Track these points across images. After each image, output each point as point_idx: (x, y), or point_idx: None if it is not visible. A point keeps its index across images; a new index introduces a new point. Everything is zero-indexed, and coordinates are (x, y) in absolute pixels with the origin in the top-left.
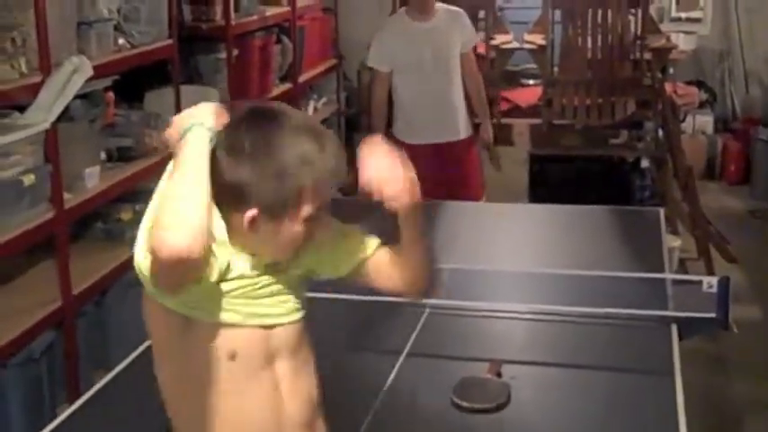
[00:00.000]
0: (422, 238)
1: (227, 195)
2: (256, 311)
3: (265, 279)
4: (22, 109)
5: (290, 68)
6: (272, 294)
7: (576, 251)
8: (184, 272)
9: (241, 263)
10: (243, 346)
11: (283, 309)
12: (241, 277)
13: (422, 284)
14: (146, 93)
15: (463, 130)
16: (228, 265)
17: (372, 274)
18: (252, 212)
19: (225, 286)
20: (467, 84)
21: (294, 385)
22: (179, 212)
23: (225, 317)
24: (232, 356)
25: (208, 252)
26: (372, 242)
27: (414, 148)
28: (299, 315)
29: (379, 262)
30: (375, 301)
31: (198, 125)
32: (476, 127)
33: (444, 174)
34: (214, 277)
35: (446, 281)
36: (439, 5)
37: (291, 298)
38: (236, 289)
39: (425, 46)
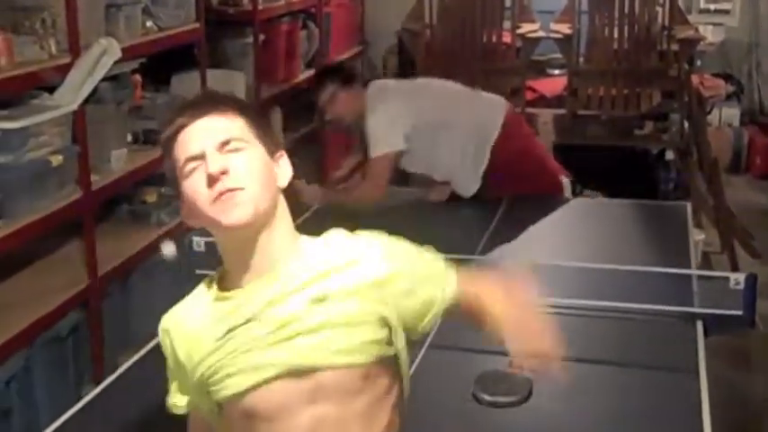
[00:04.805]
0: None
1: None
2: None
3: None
4: (51, 90)
5: (316, 54)
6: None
7: (600, 244)
8: None
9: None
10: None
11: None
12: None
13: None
14: (172, 76)
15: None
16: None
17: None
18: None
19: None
20: None
21: None
22: None
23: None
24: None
25: None
26: (449, 290)
27: None
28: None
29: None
30: None
31: None
32: None
33: None
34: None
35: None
36: None
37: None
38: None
39: None
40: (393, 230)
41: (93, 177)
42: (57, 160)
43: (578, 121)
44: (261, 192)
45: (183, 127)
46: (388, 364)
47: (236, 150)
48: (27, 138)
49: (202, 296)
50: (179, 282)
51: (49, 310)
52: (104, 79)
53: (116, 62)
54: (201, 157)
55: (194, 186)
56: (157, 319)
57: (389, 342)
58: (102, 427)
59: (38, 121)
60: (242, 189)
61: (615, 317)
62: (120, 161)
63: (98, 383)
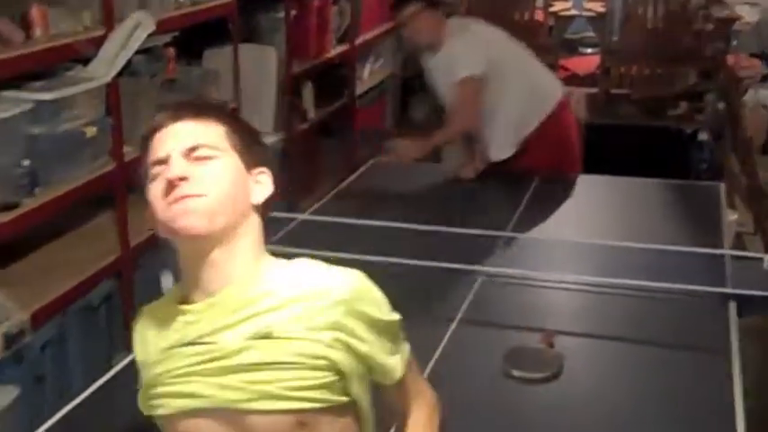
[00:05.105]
0: None
1: None
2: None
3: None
4: (85, 62)
5: (348, 30)
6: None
7: (632, 223)
8: None
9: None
10: None
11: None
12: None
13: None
14: (205, 50)
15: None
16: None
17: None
18: None
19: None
20: None
21: None
22: None
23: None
24: None
25: None
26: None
27: None
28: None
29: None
30: (428, 267)
31: None
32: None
33: None
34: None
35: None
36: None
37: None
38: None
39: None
40: (424, 208)
41: (126, 149)
42: (90, 132)
43: (610, 101)
44: (223, 203)
45: (156, 130)
46: (342, 411)
47: (206, 158)
48: (61, 109)
49: (170, 300)
50: None
51: (82, 279)
52: (138, 52)
53: (149, 35)
54: (167, 161)
55: (155, 191)
56: None
57: (341, 389)
58: (131, 394)
59: (72, 92)
60: (201, 196)
61: (647, 296)
62: None
63: (129, 352)
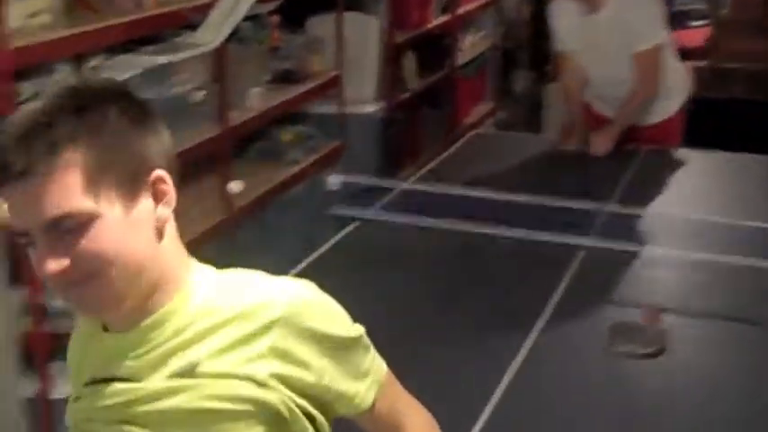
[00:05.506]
0: None
1: None
2: None
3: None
4: (193, 28)
5: (450, 1)
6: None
7: (739, 200)
8: None
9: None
10: None
11: None
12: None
13: None
14: (308, 18)
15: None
16: None
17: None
18: None
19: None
20: None
21: None
22: None
23: None
24: None
25: None
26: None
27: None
28: None
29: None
30: (530, 240)
31: None
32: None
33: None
34: None
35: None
36: None
37: None
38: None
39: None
40: (526, 179)
41: (231, 114)
42: (197, 97)
43: (720, 75)
44: (125, 270)
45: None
46: None
47: (78, 229)
48: (171, 74)
49: (97, 323)
50: (311, 220)
51: (186, 241)
52: (244, 19)
53: (255, 2)
54: (30, 233)
55: (37, 265)
56: (289, 256)
57: None
58: None
59: (182, 57)
60: (91, 281)
61: (755, 275)
62: (256, 99)
63: None
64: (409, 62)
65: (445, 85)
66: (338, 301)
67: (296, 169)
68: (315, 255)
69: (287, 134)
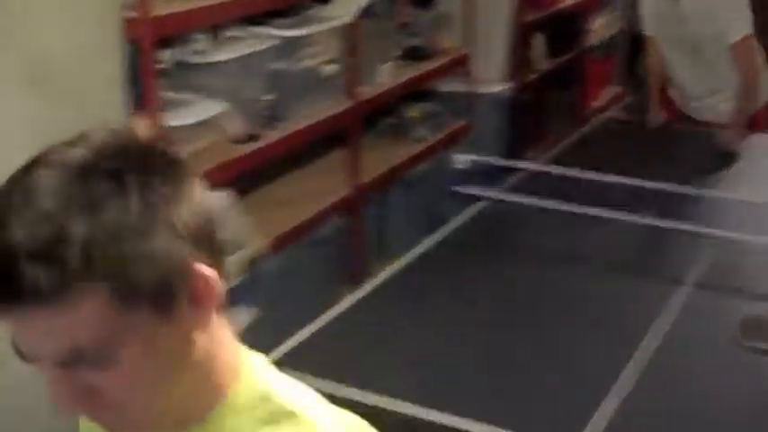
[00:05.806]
0: None
1: None
2: None
3: None
4: (326, 2)
5: None
6: None
7: None
8: None
9: None
10: None
11: None
12: None
13: None
14: None
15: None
16: None
17: None
18: None
19: None
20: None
21: None
22: None
23: None
24: None
25: None
26: None
27: None
28: None
29: None
30: (658, 228)
31: None
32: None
33: None
34: None
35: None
36: None
37: None
38: None
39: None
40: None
41: (361, 89)
42: (329, 70)
43: None
44: (152, 399)
45: None
46: None
47: (97, 362)
48: (303, 46)
49: None
50: (436, 198)
51: (314, 213)
52: None
53: None
54: (40, 362)
55: (52, 398)
56: (413, 231)
57: None
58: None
59: (317, 30)
60: (115, 408)
61: None
62: (386, 75)
63: (355, 287)
64: (539, 42)
65: (574, 66)
66: (460, 280)
67: (422, 146)
68: (439, 233)
69: (414, 111)
